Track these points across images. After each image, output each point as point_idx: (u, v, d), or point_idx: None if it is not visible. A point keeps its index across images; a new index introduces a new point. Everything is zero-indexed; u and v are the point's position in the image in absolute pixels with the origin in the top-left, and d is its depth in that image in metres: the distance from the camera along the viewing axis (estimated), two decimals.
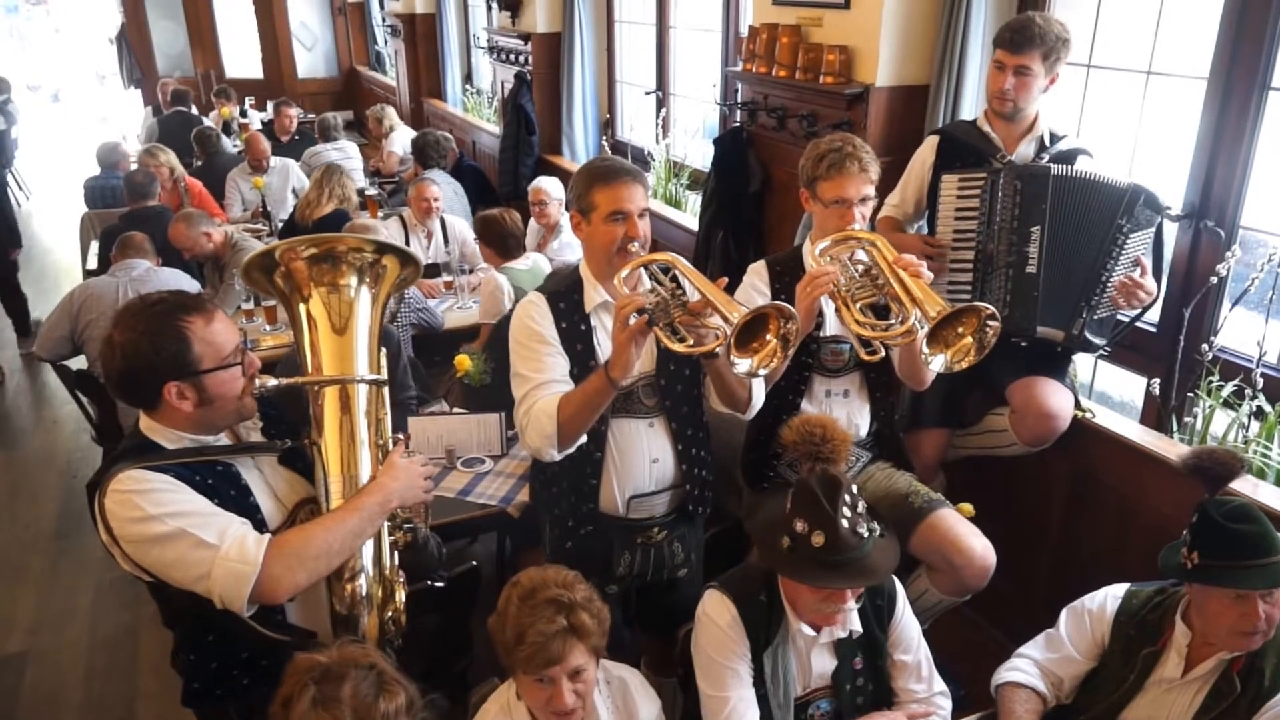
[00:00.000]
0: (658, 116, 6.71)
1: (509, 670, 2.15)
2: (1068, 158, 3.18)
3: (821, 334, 2.93)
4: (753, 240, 5.10)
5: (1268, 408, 3.04)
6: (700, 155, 6.45)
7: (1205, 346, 3.16)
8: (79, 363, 4.79)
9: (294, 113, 9.21)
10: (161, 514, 1.98)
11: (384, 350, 2.38)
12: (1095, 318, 3.12)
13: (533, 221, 5.93)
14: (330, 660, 1.79)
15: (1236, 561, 2.10)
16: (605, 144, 7.44)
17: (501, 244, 4.91)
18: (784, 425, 2.48)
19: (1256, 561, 2.08)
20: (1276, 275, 3.07)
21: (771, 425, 2.83)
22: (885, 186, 3.22)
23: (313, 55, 14.75)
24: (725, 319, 2.16)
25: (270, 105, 9.90)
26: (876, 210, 3.28)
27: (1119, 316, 3.19)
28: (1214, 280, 3.18)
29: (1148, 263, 3.08)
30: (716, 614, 2.35)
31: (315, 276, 2.29)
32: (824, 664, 2.40)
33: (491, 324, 4.61)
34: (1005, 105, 3.20)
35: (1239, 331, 3.26)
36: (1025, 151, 3.26)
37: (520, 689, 2.17)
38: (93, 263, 6.23)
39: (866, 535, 2.20)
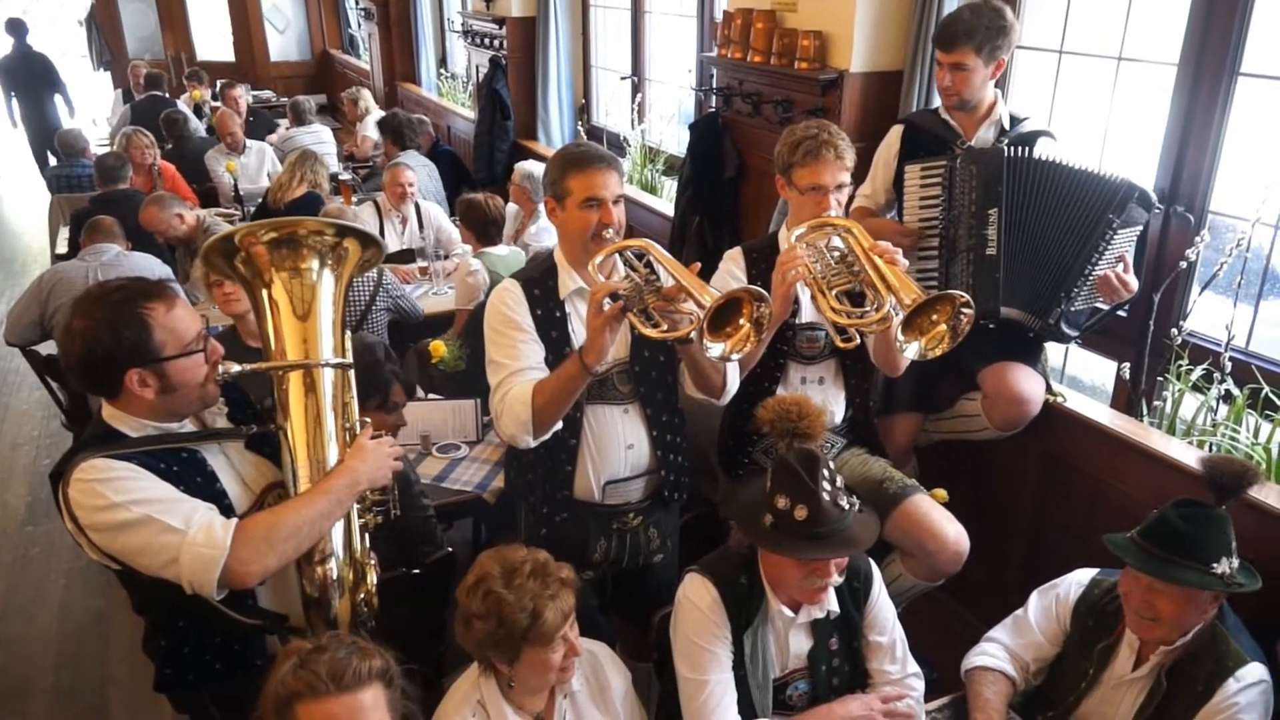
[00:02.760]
0: (633, 102, 6.70)
1: (512, 656, 2.13)
2: (1027, 140, 3.19)
3: (797, 321, 2.94)
4: (728, 226, 5.10)
5: (1235, 391, 3.08)
6: (676, 141, 6.44)
7: (1175, 331, 3.19)
8: (48, 347, 4.74)
9: (239, 92, 9.00)
10: (126, 501, 1.97)
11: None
12: (1072, 309, 3.14)
13: (512, 205, 5.91)
14: (316, 642, 1.83)
15: (1149, 543, 2.18)
16: (581, 129, 7.42)
17: (483, 229, 4.89)
18: (759, 407, 2.49)
19: (1159, 550, 2.15)
20: (1245, 260, 3.10)
21: (747, 412, 2.84)
22: (860, 173, 3.23)
23: (285, 38, 14.57)
24: (698, 303, 2.16)
25: (218, 85, 9.76)
26: (850, 199, 3.30)
27: (1094, 306, 3.22)
28: (1183, 265, 3.21)
29: (1130, 259, 3.10)
30: (697, 597, 2.36)
31: (276, 261, 2.26)
32: (801, 644, 2.42)
33: (468, 310, 4.60)
34: (951, 100, 3.25)
35: (1208, 316, 3.29)
36: (985, 136, 3.28)
37: (522, 669, 2.15)
38: (62, 247, 6.17)
39: (847, 507, 2.22)
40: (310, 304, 2.28)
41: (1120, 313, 3.37)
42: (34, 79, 10.54)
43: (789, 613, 2.35)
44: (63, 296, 4.55)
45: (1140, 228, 3.07)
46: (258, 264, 2.27)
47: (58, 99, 10.75)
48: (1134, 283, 3.07)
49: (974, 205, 3.15)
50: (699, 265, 2.29)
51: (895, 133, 3.45)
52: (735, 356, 2.26)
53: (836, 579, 2.29)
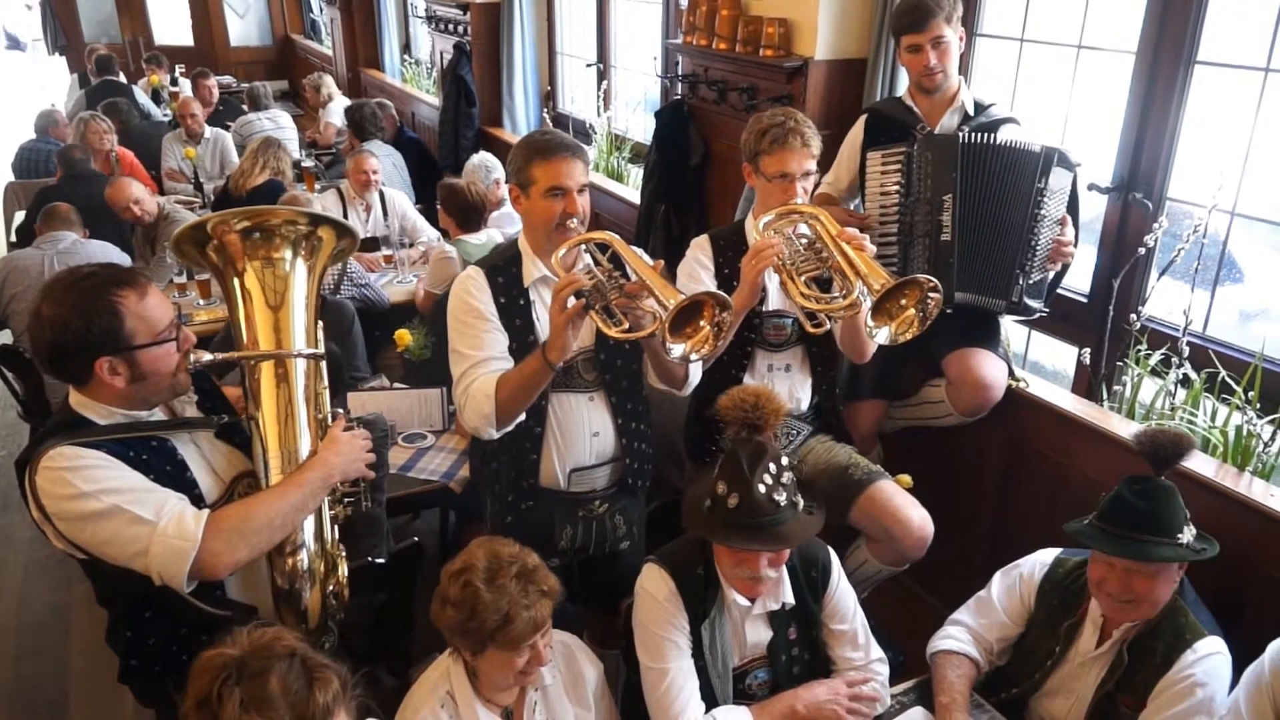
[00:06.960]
0: (599, 89, 6.68)
1: (477, 649, 2.11)
2: (990, 127, 3.22)
3: (764, 308, 2.95)
4: (694, 213, 5.10)
5: (1193, 375, 3.12)
6: (642, 128, 6.42)
7: (1134, 316, 3.22)
8: (4, 337, 4.67)
9: (213, 84, 8.92)
10: (95, 490, 1.95)
11: (321, 324, 2.35)
12: (1030, 282, 3.18)
13: None
14: (243, 652, 1.57)
15: (1112, 526, 2.20)
16: (546, 116, 7.38)
17: (462, 215, 4.85)
18: (723, 395, 2.50)
19: (1128, 533, 2.18)
20: (1201, 246, 3.15)
21: (713, 400, 2.84)
22: (825, 161, 3.24)
23: (245, 22, 14.38)
24: (661, 303, 2.17)
25: (188, 79, 9.63)
26: (816, 186, 3.31)
27: (1046, 276, 3.26)
28: (1142, 251, 3.25)
29: (1069, 219, 3.15)
30: (654, 588, 2.36)
31: (249, 250, 2.25)
32: (759, 634, 2.42)
33: (434, 292, 4.57)
34: (936, 79, 3.23)
35: (1166, 301, 3.34)
36: (949, 123, 3.31)
37: (487, 664, 2.14)
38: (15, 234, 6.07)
39: (784, 504, 2.22)
40: (283, 294, 2.26)
41: (1079, 293, 3.40)
42: None
43: (745, 602, 2.36)
44: (17, 285, 4.49)
45: (1068, 188, 3.12)
46: (230, 252, 2.25)
47: None
48: (1071, 235, 3.13)
49: (930, 191, 3.19)
50: (662, 263, 2.30)
51: (860, 123, 3.47)
52: (695, 357, 2.27)
53: (770, 573, 2.29)
